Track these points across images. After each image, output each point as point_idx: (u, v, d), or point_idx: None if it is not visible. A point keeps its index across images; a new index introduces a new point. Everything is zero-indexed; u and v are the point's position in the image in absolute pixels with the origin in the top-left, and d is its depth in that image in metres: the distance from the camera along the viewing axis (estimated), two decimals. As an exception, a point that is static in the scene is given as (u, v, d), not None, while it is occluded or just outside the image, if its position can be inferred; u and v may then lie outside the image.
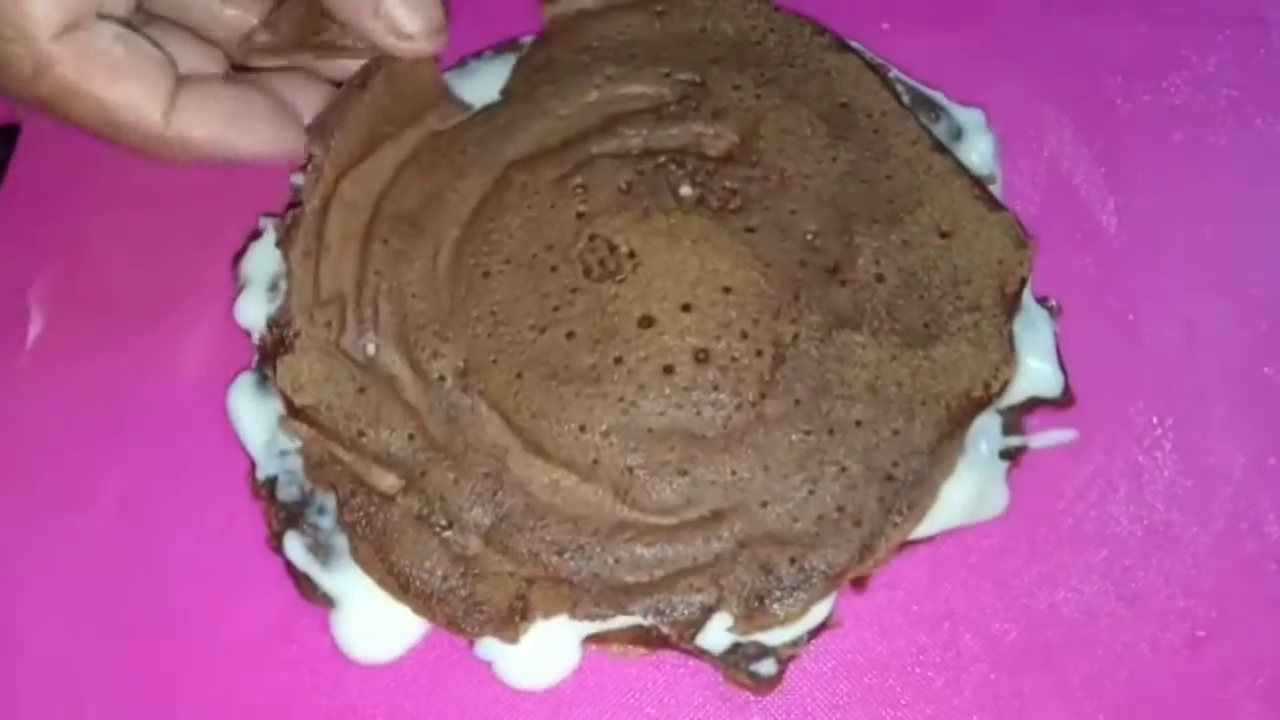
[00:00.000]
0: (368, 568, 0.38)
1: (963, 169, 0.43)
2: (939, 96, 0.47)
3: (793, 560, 0.37)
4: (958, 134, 0.46)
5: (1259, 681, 0.39)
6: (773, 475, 0.38)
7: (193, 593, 0.40)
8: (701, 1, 0.47)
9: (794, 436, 0.38)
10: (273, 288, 0.42)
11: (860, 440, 0.38)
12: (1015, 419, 0.42)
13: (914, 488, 0.38)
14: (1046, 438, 0.42)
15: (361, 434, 0.40)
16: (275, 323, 0.42)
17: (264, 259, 0.43)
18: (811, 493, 0.38)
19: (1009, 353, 0.40)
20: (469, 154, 0.44)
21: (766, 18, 0.46)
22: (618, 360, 0.39)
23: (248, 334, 0.42)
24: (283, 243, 0.43)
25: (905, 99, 0.46)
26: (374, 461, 0.39)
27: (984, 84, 0.48)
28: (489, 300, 0.41)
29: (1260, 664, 0.39)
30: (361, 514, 0.39)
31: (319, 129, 0.43)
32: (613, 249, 0.41)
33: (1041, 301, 0.44)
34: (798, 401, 0.39)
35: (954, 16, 0.51)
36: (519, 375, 0.40)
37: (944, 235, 0.41)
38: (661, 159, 0.43)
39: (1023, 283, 0.41)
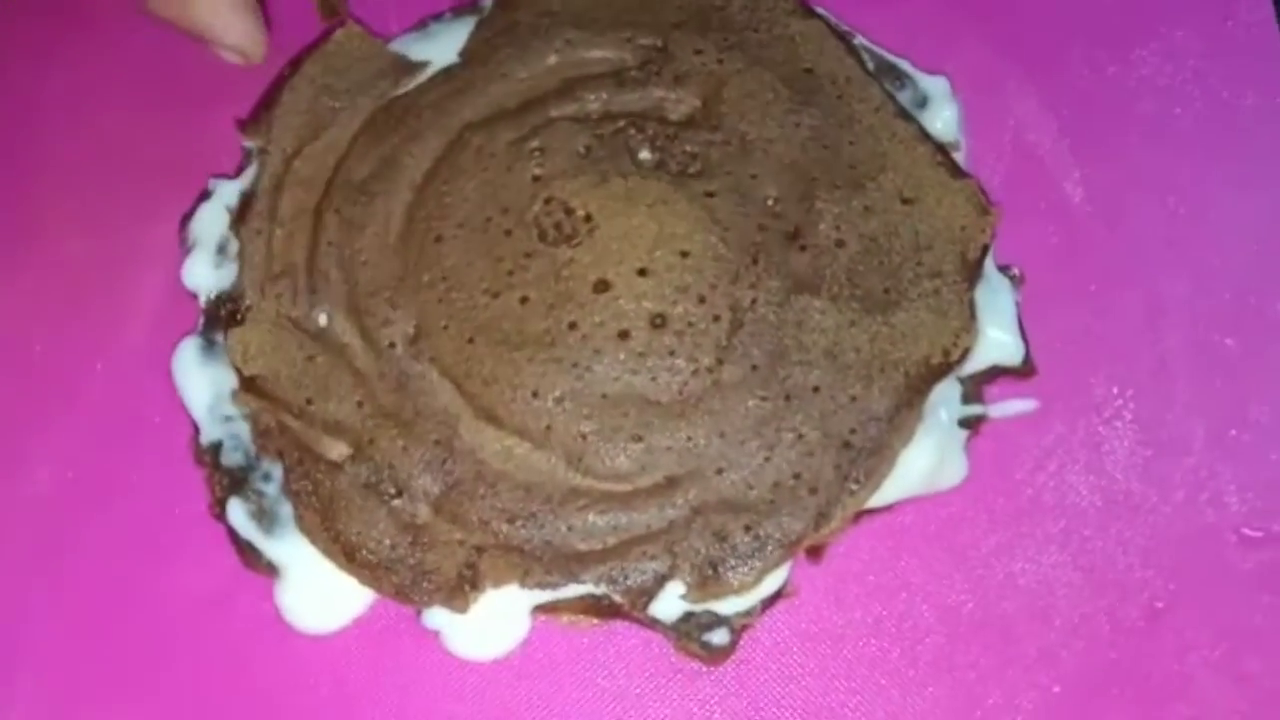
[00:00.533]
0: (313, 536, 0.37)
1: (926, 136, 0.42)
2: (904, 64, 0.46)
3: (748, 528, 0.36)
4: (923, 102, 0.45)
5: (1216, 653, 0.38)
6: (729, 442, 0.37)
7: (134, 561, 0.39)
8: (665, -35, 0.46)
9: (751, 402, 0.37)
10: (220, 250, 0.41)
11: (818, 407, 0.37)
12: (975, 388, 0.41)
13: (871, 455, 0.37)
14: (1007, 407, 0.42)
15: (310, 401, 0.39)
16: (228, 297, 0.41)
17: (213, 221, 0.42)
18: (768, 459, 0.37)
19: (970, 320, 0.39)
20: (424, 117, 0.43)
21: (730, -19, 0.45)
22: (572, 325, 0.38)
23: (194, 297, 0.41)
24: (235, 223, 0.42)
25: (871, 66, 0.45)
26: (322, 430, 0.38)
27: (950, 52, 0.48)
28: (441, 265, 0.40)
29: (1218, 635, 0.39)
30: (308, 482, 0.38)
31: (255, 119, 0.43)
32: (569, 212, 0.40)
33: (1004, 270, 0.43)
34: (755, 367, 0.38)
35: (919, -15, 0.51)
36: (471, 341, 0.39)
37: (906, 201, 0.40)
38: (621, 123, 0.42)
39: (985, 250, 0.40)
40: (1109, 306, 0.44)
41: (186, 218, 0.42)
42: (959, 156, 0.45)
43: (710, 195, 0.40)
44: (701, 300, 0.38)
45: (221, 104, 0.44)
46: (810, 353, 0.38)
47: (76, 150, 0.46)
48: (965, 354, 0.39)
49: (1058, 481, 0.41)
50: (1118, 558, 0.40)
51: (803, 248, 0.39)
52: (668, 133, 0.41)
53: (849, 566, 0.39)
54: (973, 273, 0.40)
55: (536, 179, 0.41)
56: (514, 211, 0.40)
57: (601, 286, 0.38)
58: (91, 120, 0.46)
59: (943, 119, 0.45)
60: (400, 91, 0.44)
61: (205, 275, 0.41)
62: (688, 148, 0.41)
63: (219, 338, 0.40)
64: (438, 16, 0.46)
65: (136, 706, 0.37)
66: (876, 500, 0.38)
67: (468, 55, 0.45)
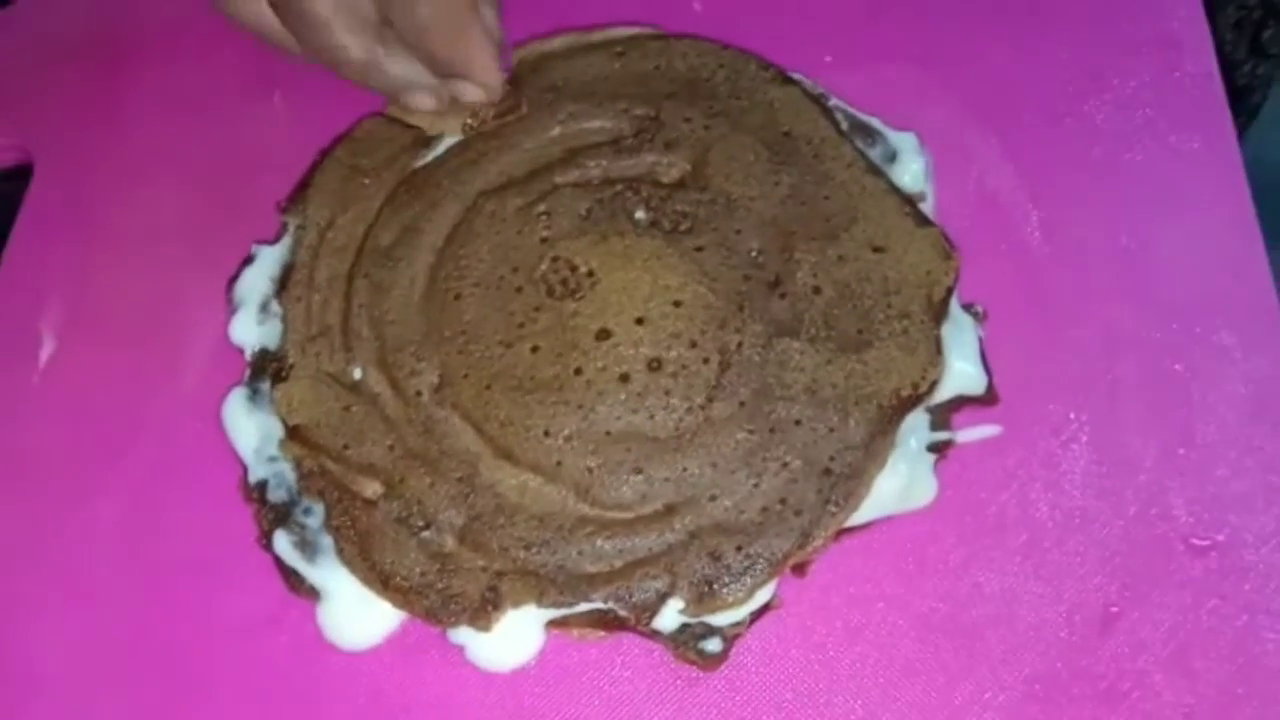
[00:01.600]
0: (353, 567, 0.42)
1: (894, 189, 0.46)
2: (875, 122, 0.51)
3: (739, 548, 0.40)
4: (893, 156, 0.50)
5: (1166, 652, 0.42)
6: (720, 471, 0.41)
7: (190, 587, 0.43)
8: (656, 43, 0.50)
9: (739, 435, 0.41)
10: (263, 308, 0.46)
11: (800, 438, 0.41)
12: (943, 416, 0.45)
13: (849, 480, 0.41)
14: (972, 433, 0.45)
15: (346, 446, 0.43)
16: (272, 356, 0.46)
17: (256, 283, 0.47)
18: (756, 486, 0.41)
19: (936, 355, 0.43)
20: (442, 187, 0.47)
21: (716, 55, 0.50)
22: (578, 371, 0.42)
23: (241, 351, 0.46)
24: (278, 291, 0.47)
25: (844, 125, 0.49)
26: (358, 471, 0.42)
27: (917, 110, 0.52)
28: (460, 320, 0.44)
29: (1168, 636, 0.42)
30: (347, 518, 0.42)
31: (293, 200, 0.48)
32: (573, 269, 0.44)
33: (968, 308, 0.47)
34: (742, 404, 0.42)
35: (889, 49, 0.55)
36: (488, 387, 0.43)
37: (877, 250, 0.44)
38: (619, 187, 0.46)
39: (949, 291, 0.44)
40: (1065, 338, 0.47)
41: (233, 280, 0.48)
42: (927, 205, 0.49)
43: (699, 250, 0.44)
44: (693, 345, 0.42)
45: (264, 174, 0.49)
46: (792, 389, 0.42)
47: (134, 214, 0.51)
48: (933, 386, 0.43)
49: (1019, 499, 0.44)
50: (1075, 567, 0.43)
51: (783, 295, 0.43)
52: (660, 194, 0.46)
53: (830, 580, 0.43)
54: (938, 312, 0.44)
55: (544, 240, 0.45)
56: (524, 270, 0.44)
57: (603, 335, 0.43)
58: (137, 188, 0.52)
59: (911, 171, 0.49)
60: (420, 164, 0.48)
61: (250, 331, 0.46)
62: (679, 207, 0.45)
63: (263, 387, 0.45)
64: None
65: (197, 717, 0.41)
66: (854, 520, 0.42)
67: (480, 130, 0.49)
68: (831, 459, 0.41)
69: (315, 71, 0.48)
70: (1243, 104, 0.67)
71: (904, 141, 0.50)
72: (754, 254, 0.44)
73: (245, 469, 0.44)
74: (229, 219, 0.49)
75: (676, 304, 0.43)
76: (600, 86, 0.49)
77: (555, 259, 0.44)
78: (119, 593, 0.43)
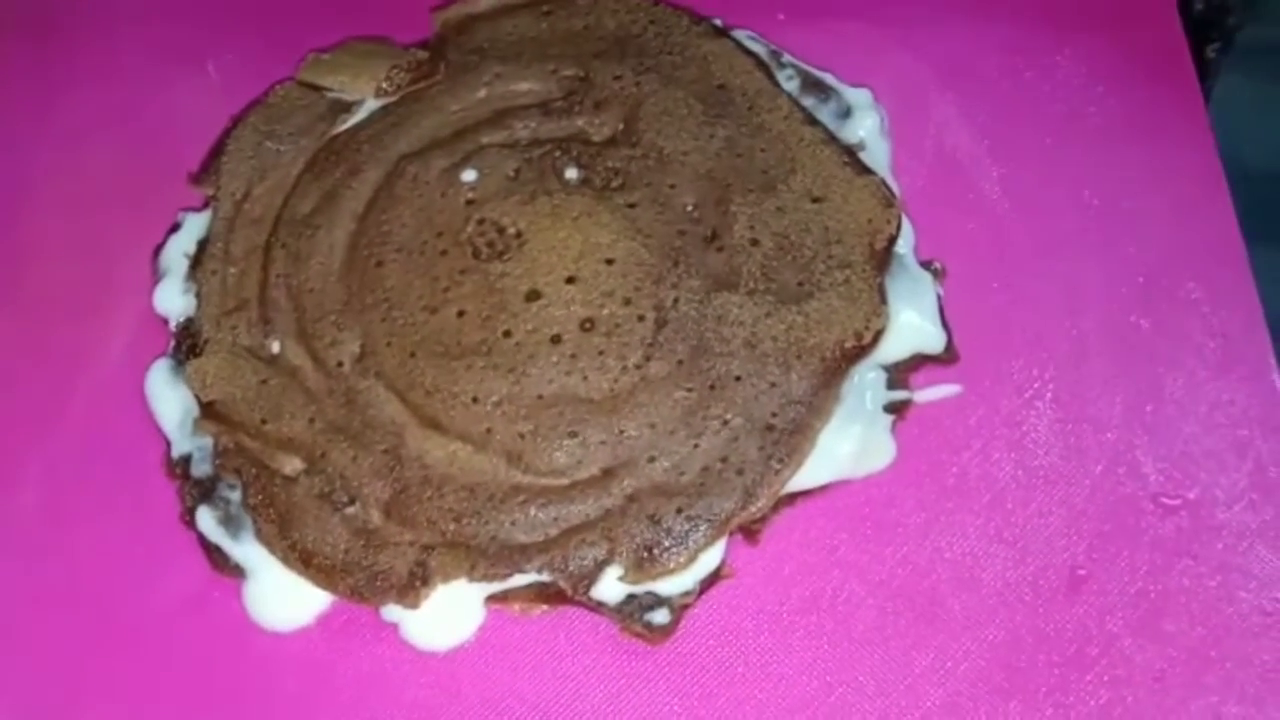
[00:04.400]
0: (272, 546, 0.44)
1: (833, 138, 0.50)
2: (828, 78, 0.54)
3: (679, 510, 0.43)
4: (847, 112, 0.53)
5: (1136, 615, 0.44)
6: (659, 432, 0.44)
7: (109, 568, 0.45)
8: (584, 1, 0.54)
9: (678, 394, 0.44)
10: (189, 278, 0.49)
11: (740, 394, 0.44)
12: (901, 375, 0.48)
13: (793, 435, 0.44)
14: (931, 393, 0.48)
15: (264, 421, 0.45)
16: (186, 330, 0.49)
17: (180, 251, 0.50)
18: (696, 446, 0.44)
19: (879, 305, 0.46)
20: (363, 151, 0.50)
21: (646, 11, 0.53)
22: (506, 334, 0.45)
23: (165, 321, 0.49)
24: (192, 266, 0.50)
25: (797, 81, 0.53)
26: (277, 447, 0.45)
27: (873, 66, 0.56)
28: (382, 287, 0.47)
29: (1138, 598, 0.45)
30: (264, 497, 0.45)
31: (205, 169, 0.52)
32: (500, 231, 0.47)
33: (926, 265, 0.50)
34: (680, 362, 0.45)
35: (844, 6, 0.59)
36: (413, 355, 0.46)
37: (815, 200, 0.48)
38: (548, 146, 0.49)
39: (891, 240, 0.47)
40: (1027, 294, 0.51)
41: (158, 249, 0.51)
42: (883, 162, 0.52)
43: (632, 206, 0.47)
44: (627, 302, 0.46)
45: (195, 144, 0.53)
46: (731, 344, 0.45)
47: (55, 187, 0.55)
48: (878, 336, 0.46)
49: (982, 459, 0.47)
50: (1040, 529, 0.46)
51: (720, 249, 0.47)
52: (591, 152, 0.49)
53: (784, 548, 0.45)
54: (881, 261, 0.47)
55: (469, 202, 0.48)
56: (449, 233, 0.47)
57: (533, 296, 0.46)
58: (70, 158, 0.55)
59: (866, 127, 0.53)
60: (339, 130, 0.52)
61: (174, 301, 0.49)
62: (610, 164, 0.49)
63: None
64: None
65: (118, 704, 0.43)
66: (808, 482, 0.45)
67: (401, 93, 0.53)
68: (774, 415, 0.44)
69: (247, 42, 0.52)
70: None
71: (858, 97, 0.53)
72: (689, 209, 0.48)
73: (168, 443, 0.47)
74: (159, 188, 0.52)
75: (609, 261, 0.46)
76: (527, 47, 0.53)
77: (481, 221, 0.47)
78: (31, 578, 0.46)
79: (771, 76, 0.51)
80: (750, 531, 0.45)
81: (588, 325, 0.45)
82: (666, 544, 0.43)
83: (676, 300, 0.46)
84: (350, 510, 0.44)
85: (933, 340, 0.48)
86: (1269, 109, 0.58)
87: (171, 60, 0.58)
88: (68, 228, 0.54)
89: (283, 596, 0.44)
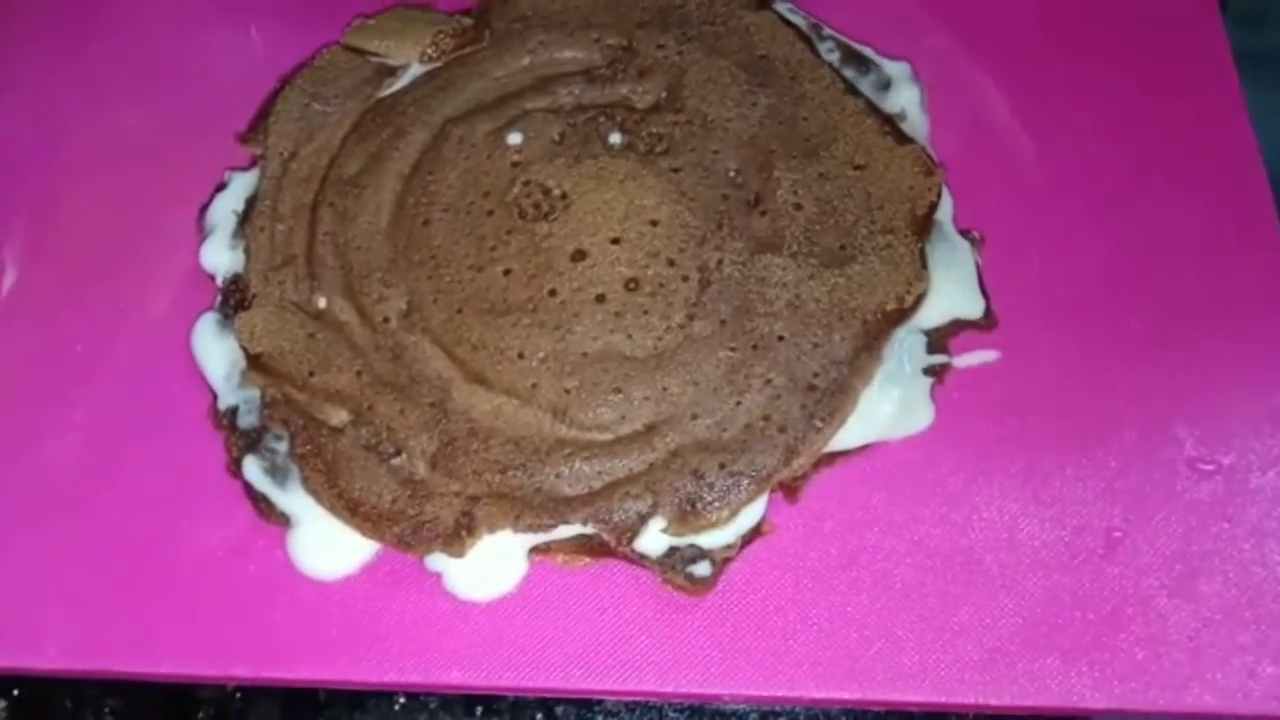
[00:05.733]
0: (319, 495, 0.46)
1: (874, 109, 0.52)
2: (868, 51, 0.56)
3: (722, 465, 0.45)
4: (886, 85, 0.55)
5: (1172, 576, 0.46)
6: (702, 390, 0.46)
7: (155, 515, 0.47)
8: (628, -30, 0.56)
9: (721, 353, 0.46)
10: (236, 234, 0.51)
11: (783, 354, 0.46)
12: (940, 340, 0.50)
13: (834, 395, 0.46)
14: (970, 357, 0.50)
15: (312, 374, 0.47)
16: (234, 285, 0.51)
17: (228, 209, 0.52)
18: (739, 404, 0.46)
19: (920, 270, 0.48)
20: (409, 114, 0.52)
21: (689, -18, 0.56)
22: (552, 292, 0.47)
23: (212, 277, 0.51)
24: (241, 223, 0.52)
25: (837, 55, 0.55)
26: (324, 399, 0.47)
27: (912, 40, 0.58)
28: (429, 246, 0.49)
29: (1173, 560, 0.46)
30: (312, 447, 0.46)
31: (253, 129, 0.54)
32: (546, 192, 0.49)
33: (965, 234, 0.52)
34: (723, 321, 0.47)
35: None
36: (459, 311, 0.48)
37: (857, 168, 0.50)
38: (592, 112, 0.52)
39: (932, 206, 0.49)
40: (1065, 263, 0.53)
41: (204, 206, 0.53)
42: (921, 133, 0.54)
43: (676, 170, 0.49)
44: (671, 263, 0.47)
45: (239, 105, 0.55)
46: (774, 305, 0.47)
47: (101, 141, 0.57)
48: (919, 300, 0.47)
49: (1019, 424, 0.49)
50: (1076, 492, 0.47)
51: (763, 213, 0.49)
52: (635, 118, 0.51)
53: (824, 506, 0.47)
54: (922, 227, 0.49)
55: (515, 164, 0.50)
56: (495, 194, 0.49)
57: (578, 256, 0.48)
58: (109, 117, 0.58)
59: (905, 100, 0.55)
60: (384, 93, 0.54)
61: (221, 257, 0.51)
62: (654, 129, 0.51)
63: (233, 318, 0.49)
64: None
65: (161, 649, 0.45)
66: (848, 442, 0.47)
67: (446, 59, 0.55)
68: (816, 375, 0.46)
69: (288, 6, 0.54)
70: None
71: (897, 70, 0.56)
72: (732, 173, 0.50)
73: (215, 395, 0.49)
74: (203, 147, 0.54)
75: (653, 223, 0.48)
76: (571, 16, 0.55)
77: (527, 182, 0.49)
78: (79, 526, 0.47)
79: (813, 48, 0.53)
80: (790, 489, 0.47)
81: (632, 285, 0.47)
82: (709, 498, 0.44)
83: (720, 262, 0.47)
84: (397, 461, 0.46)
85: (972, 306, 0.50)
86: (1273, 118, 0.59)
87: (212, 24, 0.61)
88: (104, 186, 0.56)
89: (328, 545, 0.46)
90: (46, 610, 0.46)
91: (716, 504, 0.44)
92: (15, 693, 0.47)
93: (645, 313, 0.47)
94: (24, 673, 0.46)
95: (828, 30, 0.56)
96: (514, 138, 0.51)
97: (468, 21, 0.55)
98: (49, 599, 0.46)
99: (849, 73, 0.55)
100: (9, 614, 0.46)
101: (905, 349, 0.48)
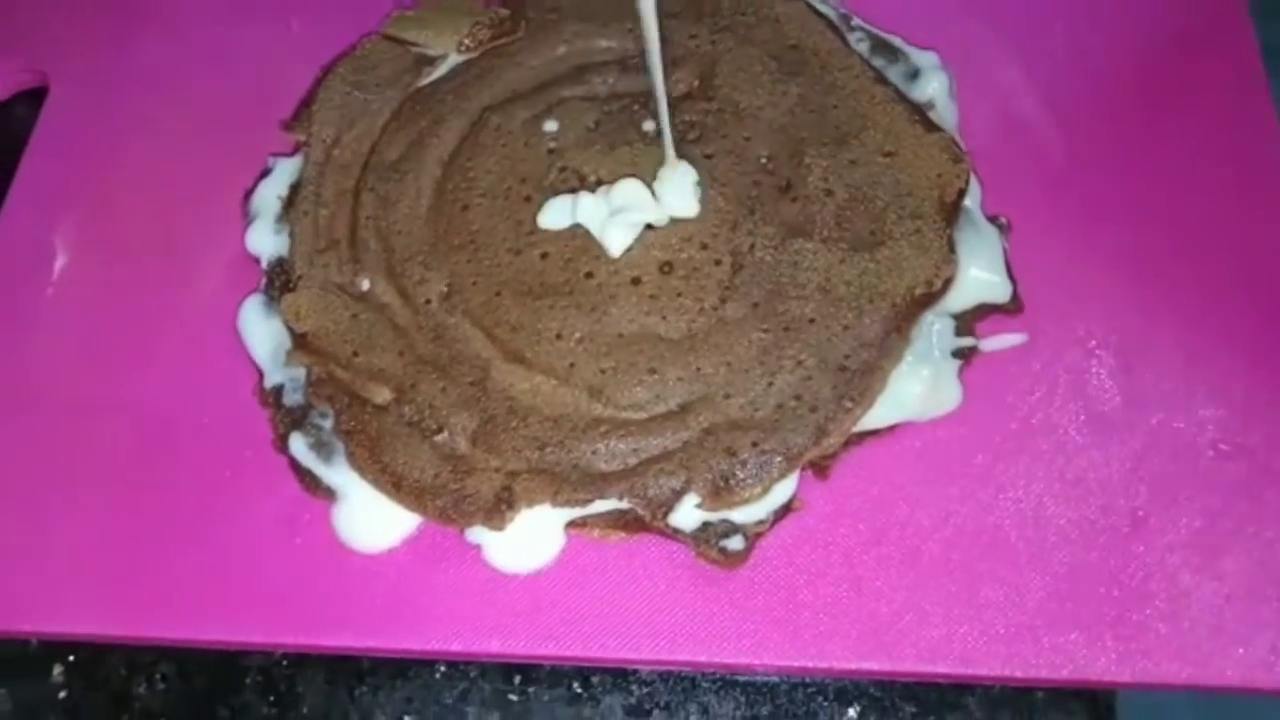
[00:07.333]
0: (364, 470, 0.48)
1: (902, 97, 0.53)
2: (897, 40, 0.58)
3: (754, 444, 0.47)
4: (914, 74, 0.57)
5: (1196, 554, 0.48)
6: (735, 370, 0.48)
7: (205, 490, 0.50)
8: (660, -38, 0.58)
9: (753, 335, 0.48)
10: (280, 218, 0.54)
11: (814, 336, 0.48)
12: (968, 324, 0.52)
13: (864, 376, 0.48)
14: (997, 341, 0.52)
15: (356, 354, 0.50)
16: (279, 268, 0.53)
17: (272, 194, 0.54)
18: (770, 384, 0.48)
19: (949, 254, 0.50)
20: (447, 102, 0.55)
21: (719, -26, 0.58)
22: (588, 275, 0.49)
23: (257, 261, 0.53)
24: (285, 208, 0.54)
25: (866, 44, 0.57)
26: (368, 378, 0.49)
27: (940, 29, 0.60)
28: (468, 230, 0.51)
29: (1197, 538, 0.48)
30: (356, 423, 0.49)
31: (297, 117, 0.56)
32: (582, 179, 0.51)
33: (993, 220, 0.54)
34: (756, 304, 0.49)
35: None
36: (498, 294, 0.50)
37: (887, 155, 0.52)
38: (626, 100, 0.54)
39: (960, 193, 0.51)
40: (1091, 249, 0.54)
41: (249, 192, 0.55)
42: (950, 122, 0.56)
43: (709, 157, 0.51)
44: (704, 247, 0.49)
45: (280, 95, 0.58)
46: (805, 289, 0.49)
47: (148, 129, 0.60)
48: (947, 284, 0.49)
49: (1045, 405, 0.51)
50: (1101, 472, 0.49)
51: (794, 199, 0.51)
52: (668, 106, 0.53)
53: (853, 484, 0.49)
54: (950, 214, 0.51)
55: (551, 151, 0.52)
56: (532, 180, 0.52)
57: (614, 240, 0.50)
58: (161, 103, 0.61)
59: (933, 88, 0.57)
60: (423, 82, 0.56)
61: (266, 241, 0.53)
62: (687, 117, 0.53)
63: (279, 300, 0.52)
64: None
65: (211, 617, 0.47)
66: (877, 422, 0.49)
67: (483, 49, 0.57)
68: (846, 356, 0.48)
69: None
70: None
71: (925, 59, 0.57)
72: (764, 160, 0.52)
73: (261, 374, 0.51)
74: (246, 135, 0.57)
75: (687, 208, 0.50)
76: (604, 7, 0.57)
77: (563, 169, 0.52)
78: (130, 502, 0.50)
79: (842, 38, 0.55)
80: (821, 467, 0.49)
81: (666, 268, 0.49)
82: (741, 475, 0.46)
83: (753, 246, 0.49)
84: (439, 438, 0.48)
85: (999, 290, 0.52)
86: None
87: (256, 16, 0.64)
88: (152, 173, 0.59)
89: (372, 519, 0.48)
90: (101, 579, 0.49)
91: (749, 480, 0.46)
92: (71, 658, 0.50)
93: (679, 295, 0.49)
94: (79, 638, 0.49)
95: (857, 20, 0.59)
96: (550, 125, 0.53)
97: (504, 13, 0.57)
98: (103, 569, 0.49)
99: (878, 62, 0.57)
100: (65, 583, 0.49)
101: (934, 332, 0.50)
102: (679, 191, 0.49)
